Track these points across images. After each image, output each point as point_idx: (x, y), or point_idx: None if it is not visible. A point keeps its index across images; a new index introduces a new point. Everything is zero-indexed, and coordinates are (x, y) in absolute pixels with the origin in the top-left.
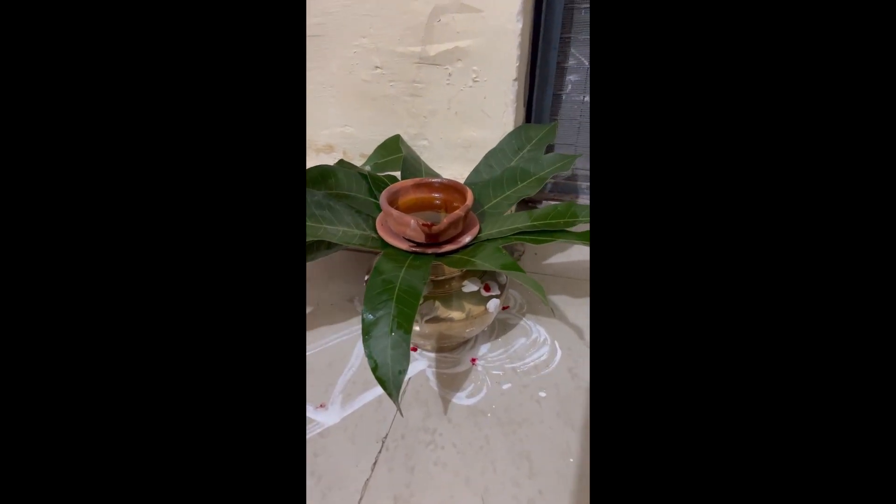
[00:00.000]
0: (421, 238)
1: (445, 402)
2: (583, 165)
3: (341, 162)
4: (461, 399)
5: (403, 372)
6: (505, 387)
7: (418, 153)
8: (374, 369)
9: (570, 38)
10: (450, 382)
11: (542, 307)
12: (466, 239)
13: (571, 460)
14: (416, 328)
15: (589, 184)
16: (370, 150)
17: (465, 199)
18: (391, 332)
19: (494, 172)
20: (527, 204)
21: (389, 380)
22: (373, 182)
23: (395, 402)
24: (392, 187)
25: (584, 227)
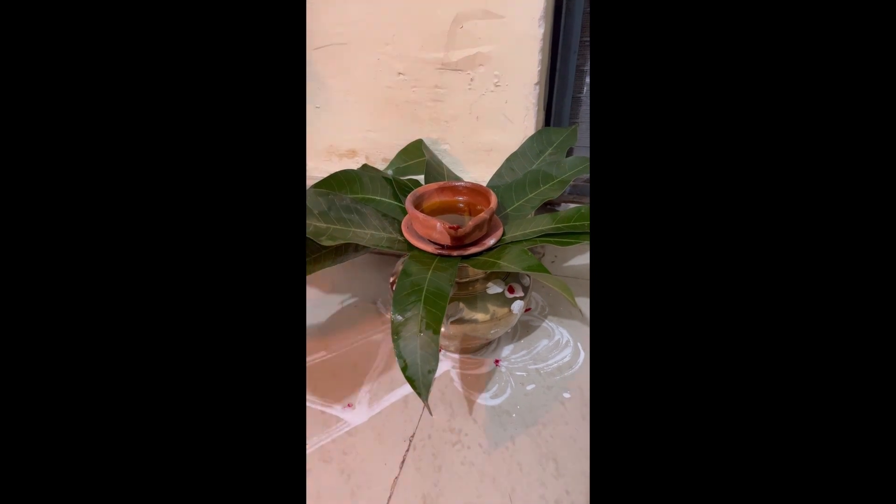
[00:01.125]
0: (447, 241)
1: (470, 402)
2: None
3: (364, 166)
4: (486, 400)
5: (432, 371)
6: (529, 388)
7: (440, 157)
8: (404, 369)
9: (588, 41)
10: (474, 383)
11: (564, 309)
12: (491, 241)
13: None
14: (441, 329)
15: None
16: (392, 155)
17: (488, 201)
18: (420, 332)
19: (516, 176)
20: (546, 206)
21: (419, 379)
22: (397, 186)
23: (423, 401)
24: (417, 191)
25: None
